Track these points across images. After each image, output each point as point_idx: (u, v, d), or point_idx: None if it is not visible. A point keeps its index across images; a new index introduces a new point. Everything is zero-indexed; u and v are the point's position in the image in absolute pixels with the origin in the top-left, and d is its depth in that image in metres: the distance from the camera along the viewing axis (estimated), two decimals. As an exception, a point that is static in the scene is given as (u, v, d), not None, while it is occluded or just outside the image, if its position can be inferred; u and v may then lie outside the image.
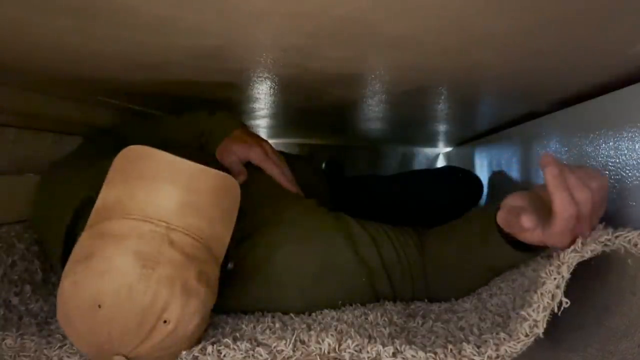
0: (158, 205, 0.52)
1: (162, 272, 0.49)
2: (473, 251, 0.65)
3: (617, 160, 0.63)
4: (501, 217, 0.56)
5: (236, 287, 0.65)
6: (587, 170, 0.51)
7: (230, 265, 0.61)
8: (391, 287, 0.70)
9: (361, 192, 1.17)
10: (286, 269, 0.68)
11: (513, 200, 0.55)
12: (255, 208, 0.70)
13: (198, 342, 0.53)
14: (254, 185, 0.74)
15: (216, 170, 0.56)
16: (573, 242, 0.50)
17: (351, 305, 0.68)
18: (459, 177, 1.20)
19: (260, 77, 0.71)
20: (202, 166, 0.55)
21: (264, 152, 0.79)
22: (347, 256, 0.69)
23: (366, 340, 0.50)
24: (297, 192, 0.80)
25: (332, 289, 0.68)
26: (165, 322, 0.48)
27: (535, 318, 0.47)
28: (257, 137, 0.81)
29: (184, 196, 0.53)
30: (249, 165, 0.79)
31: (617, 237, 0.48)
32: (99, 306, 0.47)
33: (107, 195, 0.54)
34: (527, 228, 0.49)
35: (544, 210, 0.51)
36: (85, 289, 0.48)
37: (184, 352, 0.50)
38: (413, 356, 0.48)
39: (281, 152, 0.87)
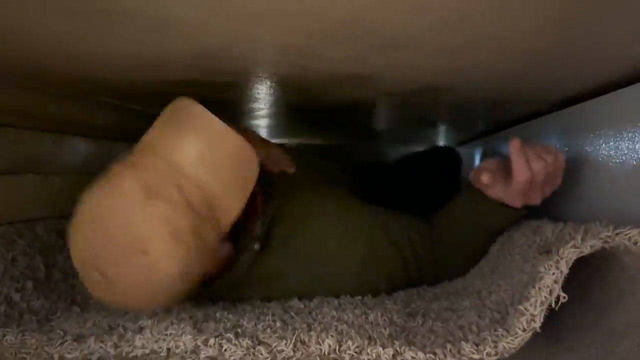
0: (179, 153, 0.57)
1: (160, 207, 0.52)
2: (465, 214, 0.73)
3: (617, 160, 0.63)
4: (472, 175, 0.68)
5: (292, 273, 0.71)
6: (546, 147, 0.62)
7: (257, 247, 0.67)
8: (418, 270, 0.75)
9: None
10: (338, 256, 0.72)
11: (485, 163, 0.66)
12: (297, 204, 0.76)
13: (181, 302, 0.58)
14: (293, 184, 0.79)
15: (239, 136, 0.59)
16: (527, 203, 0.64)
17: (390, 292, 0.73)
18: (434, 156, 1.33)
19: (260, 77, 0.71)
20: (227, 128, 0.58)
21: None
22: (385, 244, 0.74)
23: (366, 342, 0.50)
24: (291, 170, 0.81)
25: (378, 273, 0.73)
26: (144, 252, 0.51)
27: (532, 312, 0.47)
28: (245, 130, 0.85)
29: (203, 150, 0.57)
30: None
31: (617, 234, 0.48)
32: (96, 219, 0.52)
33: (148, 136, 0.60)
34: (485, 183, 0.62)
35: (508, 174, 0.63)
36: (93, 203, 0.54)
37: (186, 340, 0.51)
38: (413, 357, 0.48)
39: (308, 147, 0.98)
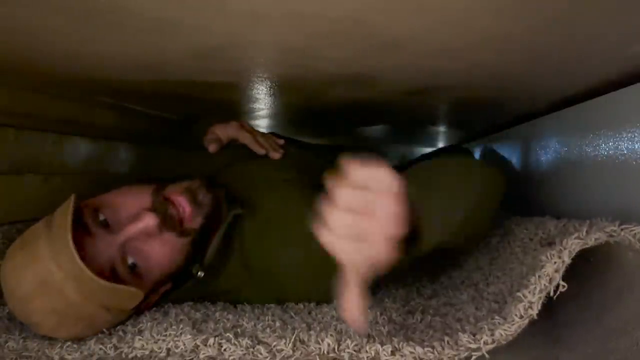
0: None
1: (50, 302, 0.54)
2: None
3: (617, 161, 0.63)
4: None
5: (254, 283, 0.70)
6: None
7: (200, 274, 0.67)
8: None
9: None
10: (289, 271, 0.69)
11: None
12: (262, 203, 0.74)
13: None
14: (256, 181, 0.78)
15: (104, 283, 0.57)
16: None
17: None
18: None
19: (260, 77, 0.71)
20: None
21: (239, 125, 0.87)
22: None
23: (365, 340, 0.50)
24: (276, 156, 0.84)
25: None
26: (38, 326, 0.56)
27: (530, 299, 0.47)
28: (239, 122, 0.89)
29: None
30: (244, 157, 0.84)
31: (622, 229, 0.48)
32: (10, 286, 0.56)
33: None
34: None
35: None
36: (10, 269, 0.57)
37: (186, 340, 0.52)
38: (411, 352, 0.48)
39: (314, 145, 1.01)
